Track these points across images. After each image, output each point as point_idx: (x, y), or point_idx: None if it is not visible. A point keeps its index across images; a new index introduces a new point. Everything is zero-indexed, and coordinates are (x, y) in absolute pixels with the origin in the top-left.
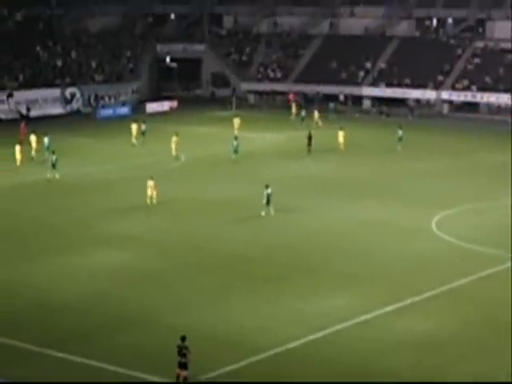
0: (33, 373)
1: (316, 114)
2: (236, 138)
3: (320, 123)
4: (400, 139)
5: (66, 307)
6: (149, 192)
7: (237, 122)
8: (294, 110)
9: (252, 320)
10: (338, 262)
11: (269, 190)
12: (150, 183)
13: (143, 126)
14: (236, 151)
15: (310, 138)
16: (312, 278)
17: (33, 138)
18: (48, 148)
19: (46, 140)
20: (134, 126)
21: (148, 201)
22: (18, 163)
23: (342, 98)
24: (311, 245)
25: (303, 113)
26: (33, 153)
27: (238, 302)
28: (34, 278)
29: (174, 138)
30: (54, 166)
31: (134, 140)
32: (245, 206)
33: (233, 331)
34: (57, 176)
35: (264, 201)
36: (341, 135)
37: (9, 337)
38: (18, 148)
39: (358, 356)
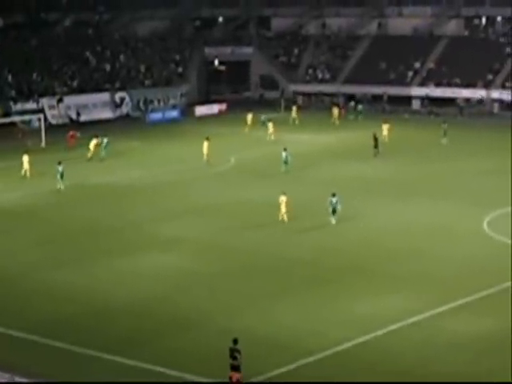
0: (89, 376)
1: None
2: (285, 149)
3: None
4: (445, 134)
5: (118, 311)
6: (282, 208)
7: (271, 125)
8: (335, 113)
9: (304, 322)
10: (390, 264)
11: (334, 199)
12: (283, 198)
13: (262, 117)
14: (286, 162)
15: (376, 139)
16: (364, 280)
17: (93, 142)
18: (105, 148)
19: (105, 140)
20: (250, 116)
21: (280, 217)
22: (23, 173)
23: (385, 98)
24: (362, 246)
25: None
26: (89, 155)
27: (290, 304)
28: (87, 282)
29: (206, 143)
30: (61, 176)
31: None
32: (297, 209)
33: (285, 334)
34: (62, 187)
35: (330, 209)
36: (385, 128)
37: (63, 341)
38: (25, 158)
39: (409, 358)
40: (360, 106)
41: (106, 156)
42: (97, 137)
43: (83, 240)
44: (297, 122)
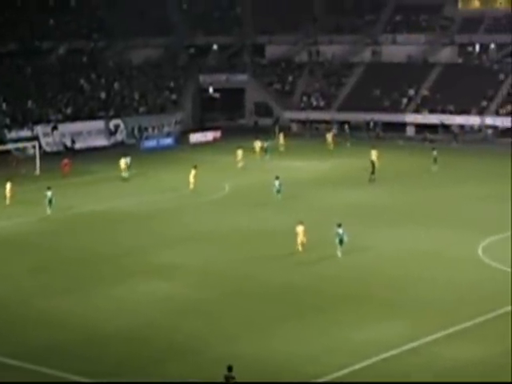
0: None
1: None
2: (277, 177)
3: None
4: (435, 161)
5: (113, 338)
6: (299, 239)
7: (239, 153)
8: (330, 139)
9: (301, 349)
10: (387, 290)
11: (340, 230)
12: (300, 228)
13: (265, 144)
14: (279, 191)
15: (373, 165)
16: (361, 307)
17: (122, 161)
18: (129, 167)
19: (128, 160)
20: (258, 144)
21: (300, 248)
22: (7, 201)
23: (372, 124)
24: (359, 273)
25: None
26: (123, 174)
27: (287, 331)
28: (82, 309)
29: (193, 171)
30: (50, 202)
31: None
32: (291, 236)
33: (282, 360)
34: (48, 212)
35: (336, 240)
36: (373, 154)
37: (56, 368)
38: (8, 185)
39: None
40: (347, 130)
41: (130, 176)
42: (125, 156)
43: (77, 267)
44: (282, 149)
